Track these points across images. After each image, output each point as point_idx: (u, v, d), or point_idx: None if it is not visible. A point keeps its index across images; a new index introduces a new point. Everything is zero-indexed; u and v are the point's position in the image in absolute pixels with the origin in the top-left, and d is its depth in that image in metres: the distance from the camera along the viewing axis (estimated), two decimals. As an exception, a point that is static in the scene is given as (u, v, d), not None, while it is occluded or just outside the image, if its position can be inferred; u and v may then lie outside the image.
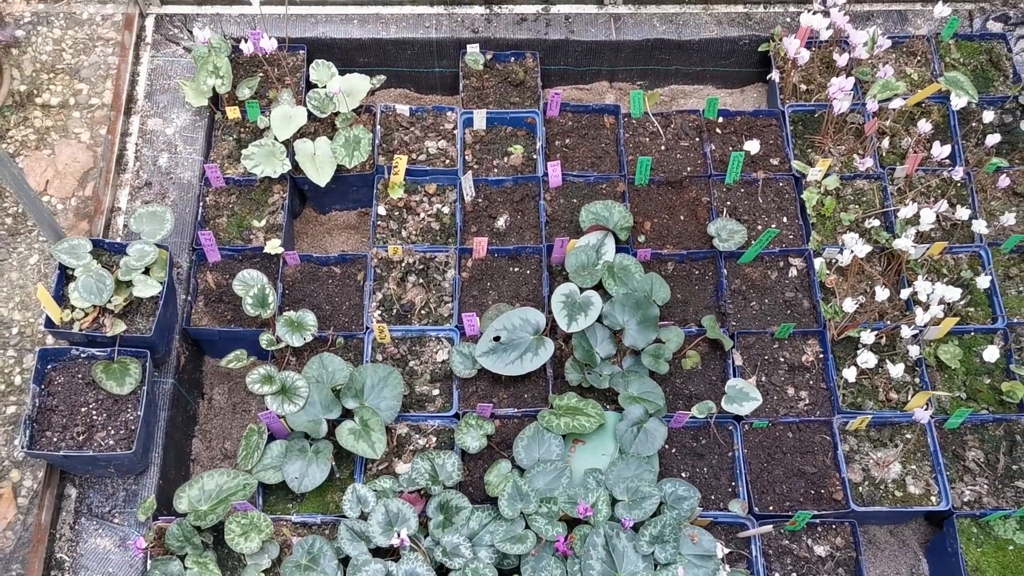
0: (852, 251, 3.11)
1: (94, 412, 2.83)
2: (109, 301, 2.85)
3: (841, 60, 3.50)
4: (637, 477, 2.85)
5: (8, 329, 3.23)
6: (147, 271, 2.92)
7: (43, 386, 2.87)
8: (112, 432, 2.80)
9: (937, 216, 3.35)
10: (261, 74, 3.64)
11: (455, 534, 2.75)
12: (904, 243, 3.11)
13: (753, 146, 3.43)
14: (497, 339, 3.08)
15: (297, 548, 2.77)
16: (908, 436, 3.08)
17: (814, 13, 3.51)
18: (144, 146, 3.54)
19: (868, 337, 3.03)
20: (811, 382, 3.19)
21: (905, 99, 3.47)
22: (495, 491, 2.84)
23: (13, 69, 3.75)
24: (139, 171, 3.49)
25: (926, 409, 3.00)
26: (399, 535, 2.69)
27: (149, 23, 3.78)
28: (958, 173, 3.33)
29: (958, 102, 3.36)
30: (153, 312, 2.93)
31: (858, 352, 3.08)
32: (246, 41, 3.42)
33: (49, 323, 2.87)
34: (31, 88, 3.74)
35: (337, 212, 3.77)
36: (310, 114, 3.52)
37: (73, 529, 2.91)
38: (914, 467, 3.04)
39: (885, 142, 3.49)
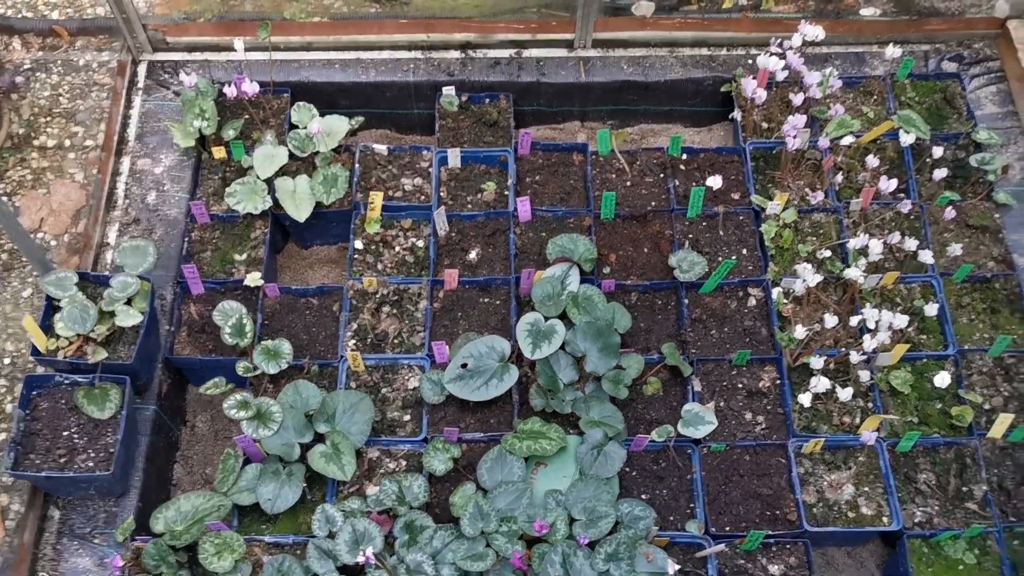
0: (805, 281, 3.24)
1: (76, 436, 2.98)
2: (92, 330, 3.01)
3: (797, 100, 3.66)
4: (595, 498, 2.97)
5: (0, 360, 3.38)
6: (130, 302, 3.08)
7: (28, 411, 3.02)
8: (93, 455, 2.95)
9: (891, 247, 3.49)
10: (247, 116, 3.83)
11: (419, 552, 2.87)
12: (854, 273, 3.24)
13: (715, 181, 3.59)
14: (464, 366, 3.22)
15: (267, 567, 2.88)
16: (861, 459, 3.19)
17: (770, 55, 3.69)
18: (134, 185, 3.72)
19: (817, 363, 3.15)
20: (768, 407, 3.30)
21: (857, 136, 3.63)
22: (459, 511, 2.96)
23: (12, 113, 3.96)
24: (128, 208, 3.66)
25: (877, 432, 3.11)
26: (365, 553, 2.81)
27: (141, 69, 3.98)
28: (906, 206, 3.47)
29: (907, 139, 3.51)
30: (135, 341, 3.08)
31: (812, 377, 3.19)
32: (230, 85, 3.62)
33: (35, 351, 3.03)
34: (28, 131, 3.94)
35: (318, 247, 3.93)
36: (291, 154, 3.70)
37: (55, 549, 3.04)
38: (867, 489, 3.14)
39: (839, 177, 3.64)
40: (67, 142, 3.99)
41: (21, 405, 2.99)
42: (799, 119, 3.51)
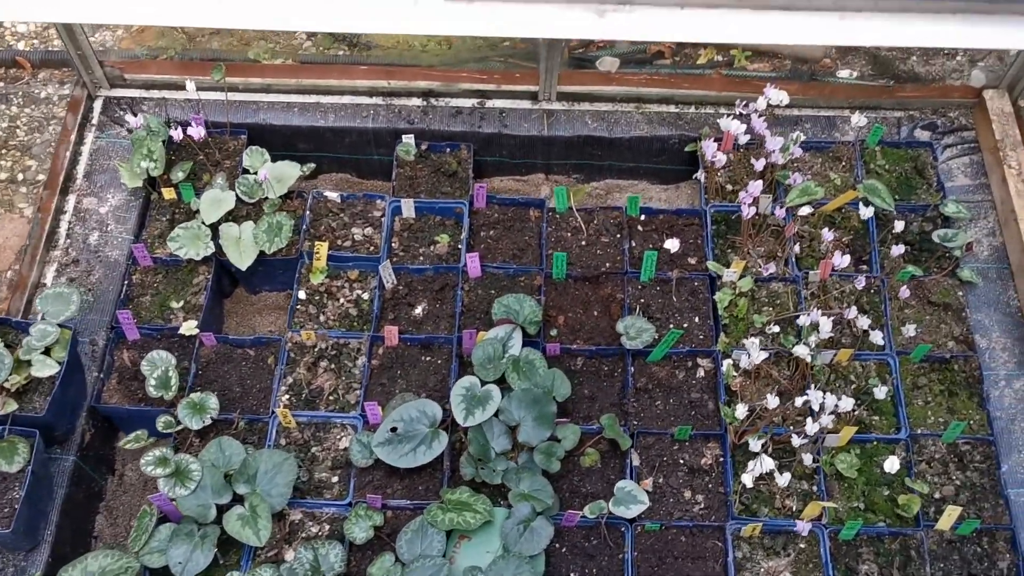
0: (751, 357, 3.12)
1: (-18, 489, 2.89)
2: (7, 380, 2.93)
3: (758, 165, 3.56)
4: (515, 578, 2.85)
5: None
6: (48, 351, 3.00)
7: (-64, 461, 2.94)
8: (-4, 510, 2.86)
9: (849, 323, 3.37)
10: (200, 157, 3.76)
11: (326, 628, 2.76)
12: (802, 350, 3.12)
13: (673, 244, 3.48)
14: (394, 430, 3.11)
15: (171, 635, 2.78)
16: (802, 545, 3.05)
17: (732, 118, 3.59)
18: (77, 224, 3.65)
19: (755, 445, 3.03)
20: (709, 485, 3.17)
21: (815, 207, 3.52)
22: (374, 585, 2.85)
23: (-37, 145, 3.92)
24: (68, 248, 3.59)
25: (819, 519, 2.98)
26: (270, 627, 2.70)
27: (97, 105, 3.92)
28: (860, 283, 3.35)
29: (866, 212, 3.40)
30: (51, 391, 3.00)
31: (753, 459, 3.07)
32: (177, 128, 3.55)
33: (-53, 400, 2.95)
34: (-20, 164, 3.89)
35: (267, 293, 3.85)
36: (240, 199, 3.63)
37: (-41, 603, 2.95)
38: (805, 579, 3.00)
39: (796, 247, 3.53)
40: (20, 176, 3.95)
41: (-71, 454, 2.91)
42: (756, 185, 3.40)
